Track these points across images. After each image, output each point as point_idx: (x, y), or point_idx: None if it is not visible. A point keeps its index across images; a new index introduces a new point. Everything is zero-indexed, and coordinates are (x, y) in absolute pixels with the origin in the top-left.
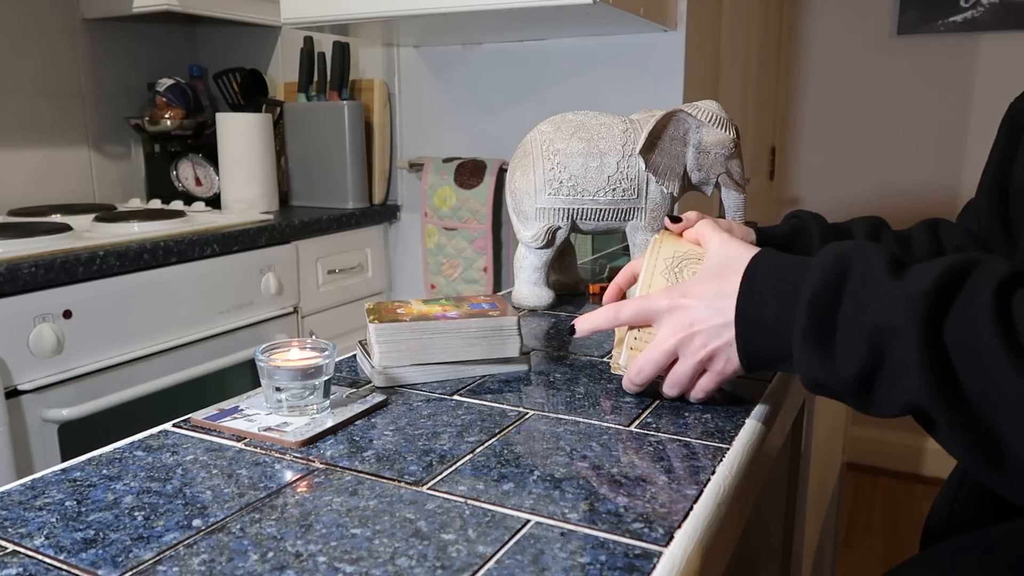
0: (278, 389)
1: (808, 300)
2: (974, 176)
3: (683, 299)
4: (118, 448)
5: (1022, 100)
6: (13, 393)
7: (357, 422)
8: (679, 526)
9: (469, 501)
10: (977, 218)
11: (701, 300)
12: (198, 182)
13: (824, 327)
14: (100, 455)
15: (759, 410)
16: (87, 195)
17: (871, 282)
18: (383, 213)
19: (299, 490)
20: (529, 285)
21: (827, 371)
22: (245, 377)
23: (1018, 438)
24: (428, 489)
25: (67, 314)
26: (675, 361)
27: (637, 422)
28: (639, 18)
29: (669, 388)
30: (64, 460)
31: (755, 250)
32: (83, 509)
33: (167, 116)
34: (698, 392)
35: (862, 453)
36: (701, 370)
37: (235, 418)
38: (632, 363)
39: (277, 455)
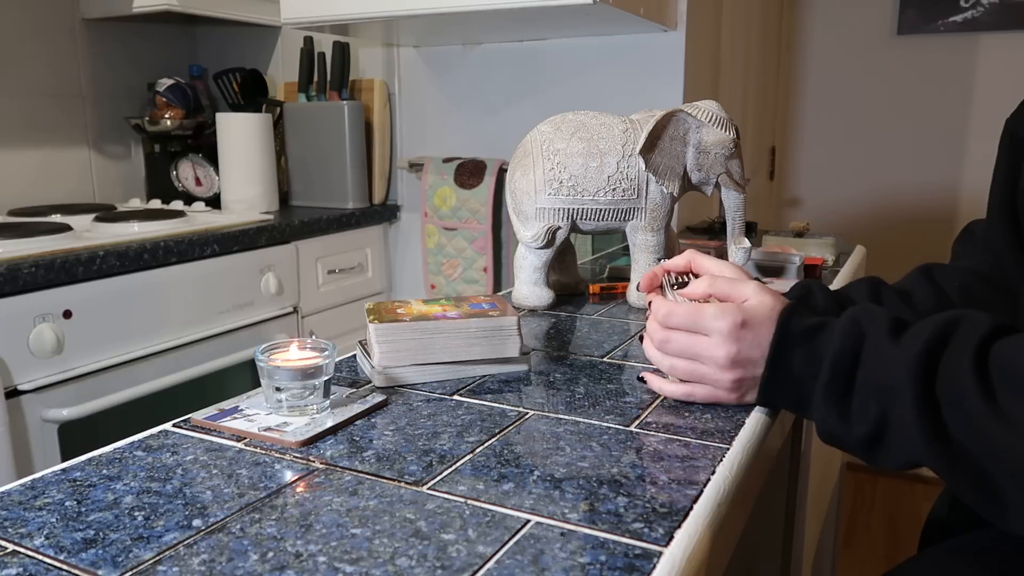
0: (278, 389)
1: (832, 357)
2: (974, 176)
3: (744, 331)
4: (118, 448)
5: (1020, 113)
6: (13, 393)
7: (357, 422)
8: (679, 526)
9: (469, 501)
10: (988, 238)
11: (756, 336)
12: (198, 182)
13: (843, 386)
14: (100, 455)
15: (759, 410)
16: (87, 195)
17: (878, 345)
18: (383, 213)
19: (299, 490)
20: (529, 285)
21: (844, 428)
22: (245, 377)
23: (1011, 480)
24: (428, 489)
25: (67, 314)
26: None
27: (637, 422)
28: (639, 18)
29: (666, 375)
30: (64, 460)
31: (785, 301)
32: (83, 509)
33: (167, 116)
34: (686, 395)
35: None
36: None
37: (235, 418)
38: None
39: (277, 455)
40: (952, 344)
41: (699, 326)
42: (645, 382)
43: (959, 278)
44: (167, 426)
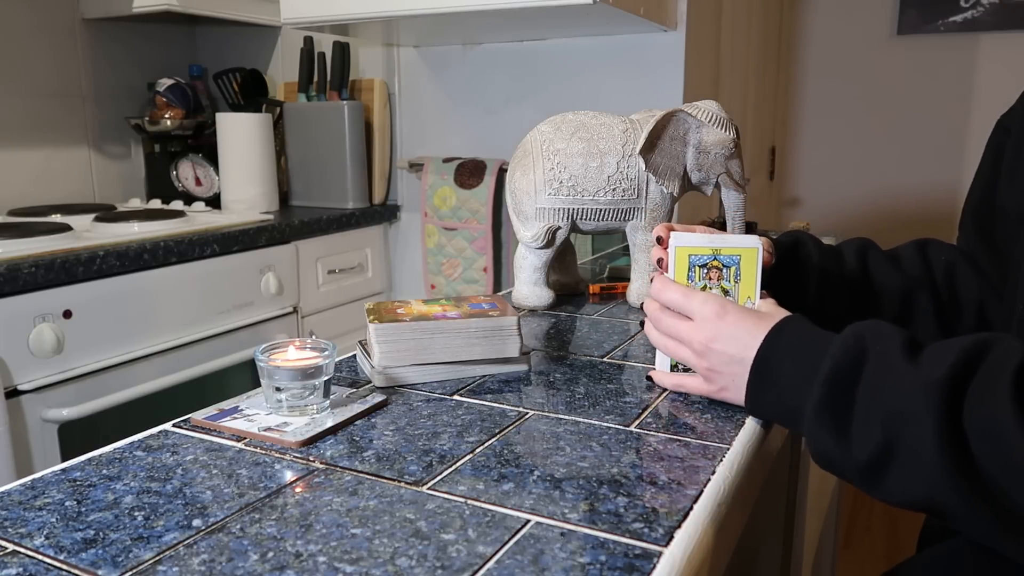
0: (278, 389)
1: (827, 374)
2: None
3: (722, 322)
4: (118, 448)
5: (1006, 117)
6: (13, 393)
7: (357, 422)
8: (679, 526)
9: (469, 501)
10: (964, 236)
11: (735, 330)
12: (198, 182)
13: (840, 405)
14: (100, 455)
15: None
16: (87, 195)
17: (887, 365)
18: (383, 213)
19: (299, 490)
20: (529, 285)
21: (841, 450)
22: (245, 377)
23: None
24: (428, 489)
25: (67, 314)
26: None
27: (637, 422)
28: (639, 18)
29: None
30: (64, 460)
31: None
32: (83, 509)
33: (167, 116)
34: (675, 386)
35: None
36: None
37: (235, 418)
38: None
39: (277, 455)
40: (983, 370)
41: (685, 308)
42: (652, 380)
43: (947, 254)
44: (167, 426)
